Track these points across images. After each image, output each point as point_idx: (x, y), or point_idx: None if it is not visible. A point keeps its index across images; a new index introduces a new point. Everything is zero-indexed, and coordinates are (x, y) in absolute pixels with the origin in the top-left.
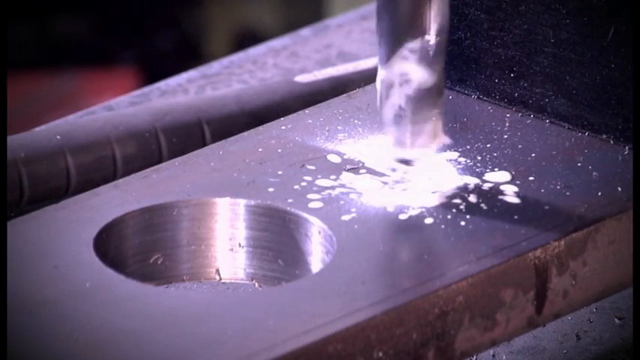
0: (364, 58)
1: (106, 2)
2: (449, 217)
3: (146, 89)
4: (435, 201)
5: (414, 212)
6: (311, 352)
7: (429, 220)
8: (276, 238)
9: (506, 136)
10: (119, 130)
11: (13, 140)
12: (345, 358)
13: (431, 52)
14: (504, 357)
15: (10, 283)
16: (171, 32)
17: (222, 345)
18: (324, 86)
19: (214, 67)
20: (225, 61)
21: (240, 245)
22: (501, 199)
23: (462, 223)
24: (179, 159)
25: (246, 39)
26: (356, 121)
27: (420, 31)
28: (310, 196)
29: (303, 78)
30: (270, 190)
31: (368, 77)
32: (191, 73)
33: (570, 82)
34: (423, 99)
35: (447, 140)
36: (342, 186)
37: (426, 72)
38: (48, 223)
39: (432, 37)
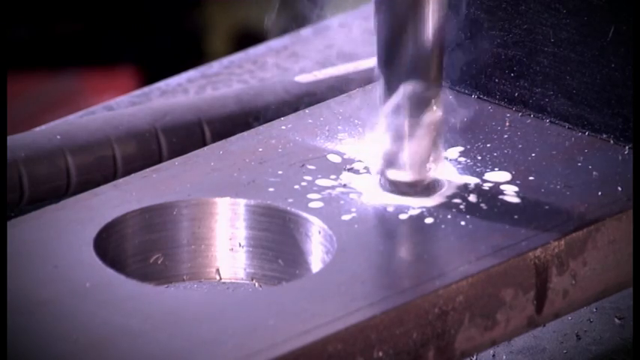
0: (364, 58)
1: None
2: (449, 217)
3: (146, 89)
4: (435, 201)
5: (414, 212)
6: (311, 352)
7: (429, 220)
8: (276, 238)
9: (506, 136)
10: (119, 130)
11: (13, 140)
12: (345, 358)
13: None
14: (504, 357)
15: (10, 283)
16: (171, 32)
17: (222, 345)
18: (324, 86)
19: (214, 67)
20: (225, 61)
21: (240, 245)
22: (501, 199)
23: (462, 223)
24: (179, 159)
25: (246, 39)
26: (356, 121)
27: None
28: (310, 195)
29: (303, 78)
30: (271, 189)
31: (368, 77)
32: (191, 73)
33: (570, 82)
34: (423, 124)
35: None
36: (342, 186)
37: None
38: (48, 223)
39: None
